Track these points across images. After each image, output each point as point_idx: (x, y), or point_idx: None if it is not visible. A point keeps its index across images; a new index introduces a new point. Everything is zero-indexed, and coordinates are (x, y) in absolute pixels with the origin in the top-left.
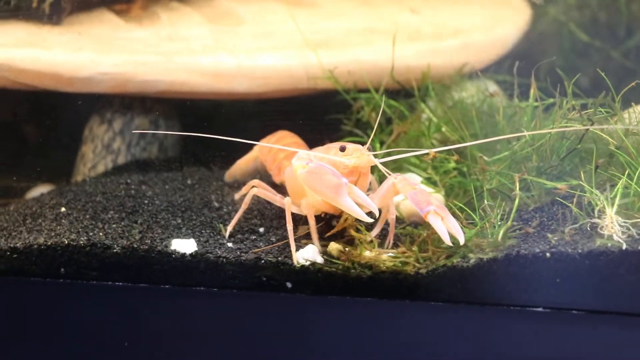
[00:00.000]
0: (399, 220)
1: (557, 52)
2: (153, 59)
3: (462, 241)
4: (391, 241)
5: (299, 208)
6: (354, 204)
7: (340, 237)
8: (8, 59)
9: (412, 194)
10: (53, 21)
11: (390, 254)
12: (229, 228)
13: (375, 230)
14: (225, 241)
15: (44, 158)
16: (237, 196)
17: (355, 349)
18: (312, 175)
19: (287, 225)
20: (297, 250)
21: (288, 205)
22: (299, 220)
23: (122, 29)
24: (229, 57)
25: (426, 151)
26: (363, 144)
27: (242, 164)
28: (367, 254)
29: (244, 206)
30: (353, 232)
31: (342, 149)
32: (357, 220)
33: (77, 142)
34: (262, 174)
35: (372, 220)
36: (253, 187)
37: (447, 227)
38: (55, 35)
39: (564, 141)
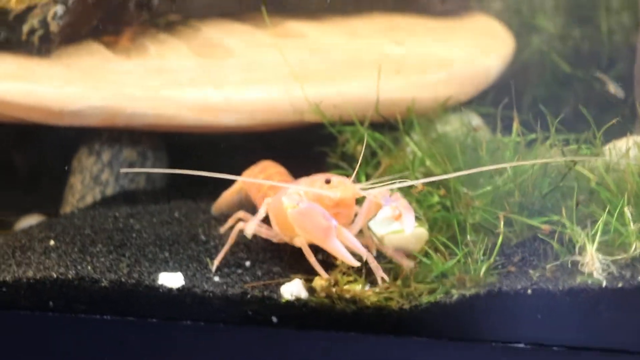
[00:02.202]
0: (382, 255)
1: (539, 83)
2: (141, 93)
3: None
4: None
5: (289, 241)
6: (343, 247)
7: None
8: None
9: (386, 197)
10: (42, 53)
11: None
12: (216, 262)
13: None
14: (211, 275)
15: (33, 189)
16: (222, 230)
17: None
18: (302, 216)
19: (309, 258)
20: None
21: (304, 245)
22: (291, 255)
23: (110, 61)
24: (215, 91)
25: (412, 182)
26: (349, 176)
27: (228, 196)
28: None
29: (230, 241)
30: (339, 276)
31: (328, 182)
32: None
33: (65, 173)
34: (247, 205)
35: (359, 264)
36: (239, 219)
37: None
38: (45, 68)
39: (545, 178)
